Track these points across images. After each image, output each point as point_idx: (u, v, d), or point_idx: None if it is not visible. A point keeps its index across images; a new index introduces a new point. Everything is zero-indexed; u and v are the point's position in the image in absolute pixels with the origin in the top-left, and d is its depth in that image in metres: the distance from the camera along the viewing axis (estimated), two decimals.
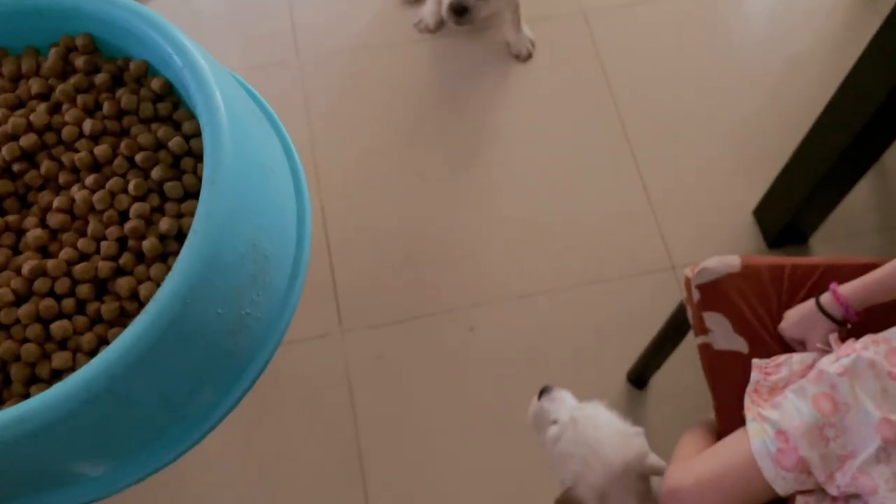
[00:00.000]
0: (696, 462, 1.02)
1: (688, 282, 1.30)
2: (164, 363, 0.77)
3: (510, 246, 1.96)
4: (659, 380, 1.76)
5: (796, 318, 1.19)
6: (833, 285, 1.10)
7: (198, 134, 0.89)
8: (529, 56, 2.24)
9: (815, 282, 1.26)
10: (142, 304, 0.83)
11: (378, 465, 1.72)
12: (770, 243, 1.94)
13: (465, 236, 1.98)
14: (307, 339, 1.83)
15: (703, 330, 1.26)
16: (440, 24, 2.29)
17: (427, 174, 2.06)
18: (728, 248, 1.92)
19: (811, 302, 1.13)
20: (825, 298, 1.14)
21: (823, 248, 1.94)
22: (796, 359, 1.12)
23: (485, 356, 1.83)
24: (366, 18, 2.34)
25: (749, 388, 1.12)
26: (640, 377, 1.76)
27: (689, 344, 1.31)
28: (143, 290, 0.82)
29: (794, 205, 1.83)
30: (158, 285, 0.82)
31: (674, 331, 1.50)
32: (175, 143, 0.87)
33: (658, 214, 1.99)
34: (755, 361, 1.15)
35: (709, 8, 2.35)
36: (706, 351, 1.25)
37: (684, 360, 1.51)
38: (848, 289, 1.12)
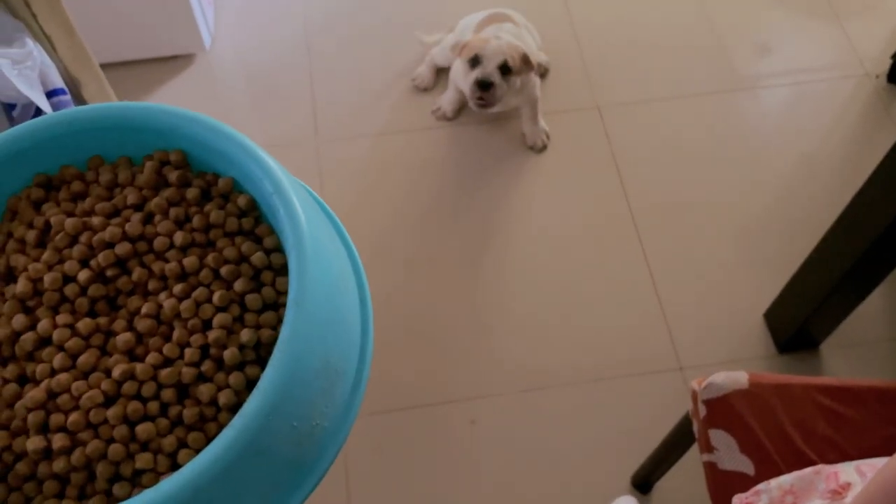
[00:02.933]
0: None
1: (694, 395, 1.32)
2: (242, 475, 0.82)
3: (516, 338, 2.00)
4: (665, 485, 1.77)
5: None
6: None
7: (277, 249, 0.96)
8: (544, 147, 2.30)
9: (826, 405, 1.30)
10: (220, 410, 0.88)
11: None
12: (780, 348, 1.96)
13: (471, 325, 2.02)
14: None
15: (708, 448, 1.28)
16: (458, 112, 2.36)
17: (437, 260, 2.11)
18: (737, 350, 1.97)
19: None
20: None
21: (834, 354, 1.97)
22: (774, 484, 1.11)
23: (485, 451, 1.85)
24: (384, 103, 2.41)
25: None
26: (644, 481, 1.77)
27: (697, 451, 1.34)
28: (222, 397, 0.88)
29: (806, 311, 1.85)
30: (236, 393, 0.88)
31: (680, 440, 1.52)
32: (257, 257, 0.93)
33: (667, 313, 2.03)
34: (736, 496, 1.16)
35: (722, 106, 2.41)
36: (711, 469, 1.27)
37: (691, 466, 1.52)
38: None
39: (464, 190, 2.26)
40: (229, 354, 0.89)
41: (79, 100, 1.66)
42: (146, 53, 2.51)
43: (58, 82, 1.56)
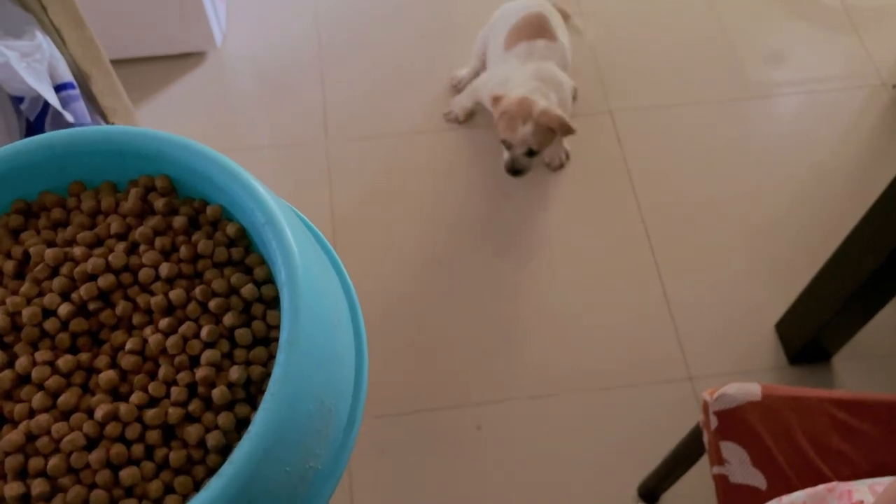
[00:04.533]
0: None
1: (706, 406, 1.30)
2: None
3: (523, 344, 1.98)
4: (672, 496, 1.76)
5: None
6: None
7: (268, 280, 0.91)
8: (561, 166, 2.25)
9: (840, 419, 1.27)
10: (208, 452, 0.84)
11: None
12: (791, 359, 1.94)
13: (478, 329, 1.99)
14: None
15: (719, 460, 1.26)
16: (469, 116, 2.32)
17: (446, 263, 2.08)
18: (748, 361, 1.94)
19: None
20: None
21: (847, 367, 1.95)
22: (786, 501, 1.09)
23: (490, 457, 1.83)
24: (396, 103, 2.38)
25: None
26: (651, 492, 1.77)
27: (706, 462, 1.31)
28: (210, 438, 0.84)
29: (819, 323, 1.84)
30: (225, 434, 0.84)
31: (690, 452, 1.50)
32: (247, 290, 0.89)
33: (677, 322, 2.00)
34: None
35: (735, 113, 2.38)
36: (722, 482, 1.25)
37: (700, 478, 1.51)
38: None
39: (475, 193, 2.23)
40: (218, 393, 0.85)
41: (87, 94, 1.64)
42: (157, 50, 2.49)
43: (67, 76, 1.52)
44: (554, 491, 1.81)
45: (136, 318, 0.89)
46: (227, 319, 0.88)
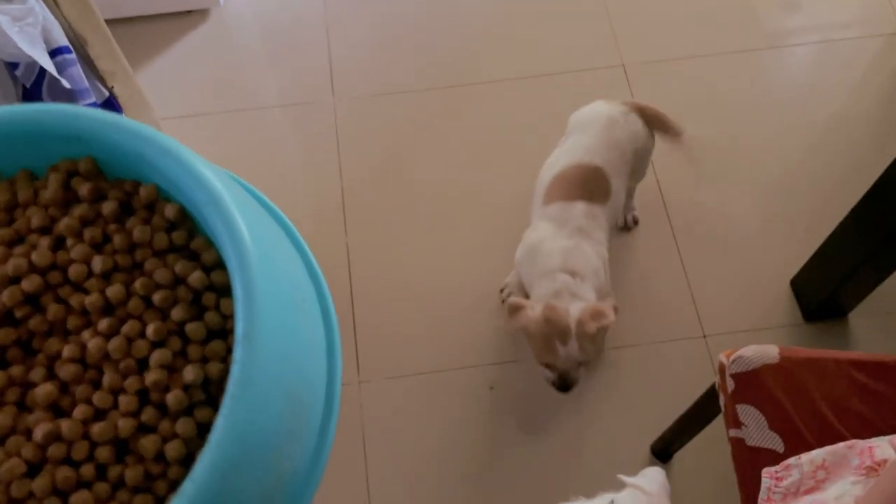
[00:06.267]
0: None
1: (722, 368, 1.24)
2: None
3: None
4: (685, 454, 1.71)
5: None
6: None
7: (219, 265, 0.81)
8: (634, 223, 1.99)
9: (860, 381, 1.23)
10: (169, 465, 0.74)
11: None
12: (807, 316, 1.89)
13: (490, 291, 1.92)
14: None
15: (735, 423, 1.21)
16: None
17: (459, 228, 2.02)
18: (762, 318, 1.88)
19: None
20: None
21: (863, 324, 1.90)
22: (805, 459, 1.06)
23: (503, 417, 1.79)
24: (403, 61, 2.32)
25: (761, 497, 1.07)
26: (664, 450, 1.72)
27: (721, 421, 1.27)
28: (169, 449, 0.74)
29: (835, 280, 1.77)
30: (186, 442, 0.75)
31: (704, 412, 1.45)
32: (195, 278, 0.79)
33: (691, 279, 1.95)
34: (765, 469, 1.09)
35: (748, 65, 2.32)
36: (738, 445, 1.20)
37: (714, 437, 1.48)
38: None
39: (483, 152, 2.15)
40: (173, 398, 0.75)
41: (84, 58, 1.55)
42: (157, 9, 2.38)
43: (61, 40, 1.45)
44: (567, 448, 1.78)
45: (72, 322, 0.78)
46: (176, 314, 0.78)
